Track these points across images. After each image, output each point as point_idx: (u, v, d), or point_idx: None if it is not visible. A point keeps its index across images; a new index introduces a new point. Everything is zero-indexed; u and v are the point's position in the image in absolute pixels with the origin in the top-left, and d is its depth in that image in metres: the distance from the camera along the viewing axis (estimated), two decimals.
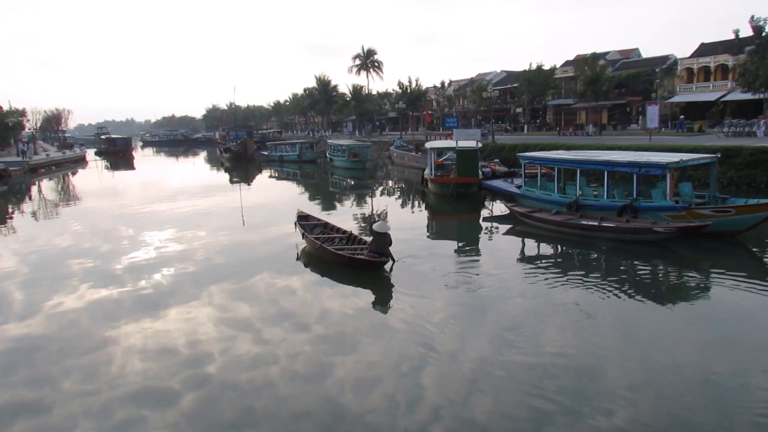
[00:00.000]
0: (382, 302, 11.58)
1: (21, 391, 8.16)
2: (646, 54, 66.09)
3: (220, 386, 8.01)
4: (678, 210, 15.99)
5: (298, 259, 15.25)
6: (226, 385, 8.05)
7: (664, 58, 58.29)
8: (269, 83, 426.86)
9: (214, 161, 68.28)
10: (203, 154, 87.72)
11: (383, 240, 13.10)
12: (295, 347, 9.30)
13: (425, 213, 24.83)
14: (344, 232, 16.21)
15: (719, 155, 18.48)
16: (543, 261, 15.22)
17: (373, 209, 25.58)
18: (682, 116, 44.15)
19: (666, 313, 10.80)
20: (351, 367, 8.56)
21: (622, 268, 14.23)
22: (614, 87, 53.85)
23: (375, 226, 13.40)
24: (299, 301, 11.78)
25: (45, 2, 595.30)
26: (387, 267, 13.39)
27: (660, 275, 13.72)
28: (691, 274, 13.65)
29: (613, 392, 7.55)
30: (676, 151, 21.52)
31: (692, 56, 52.65)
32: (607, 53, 63.14)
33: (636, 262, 14.32)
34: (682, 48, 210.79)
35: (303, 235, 15.91)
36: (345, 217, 22.02)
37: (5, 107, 59.89)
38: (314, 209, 23.63)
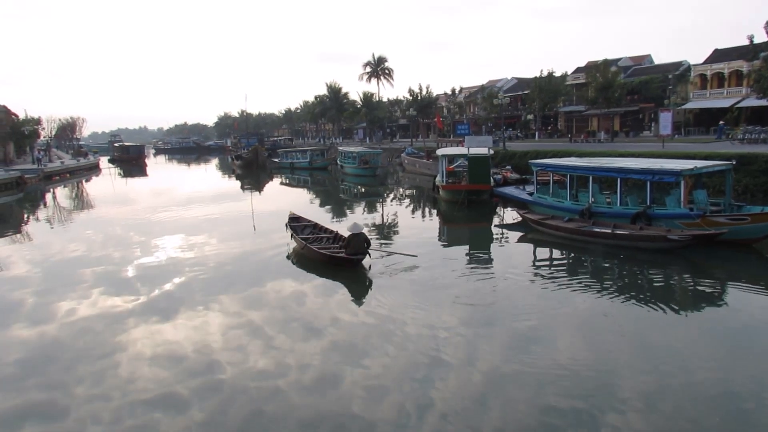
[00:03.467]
0: (392, 310, 11.45)
1: (34, 396, 8.22)
2: (658, 60, 65.73)
3: (229, 393, 8.00)
4: (692, 218, 15.80)
5: (288, 257, 16.06)
6: (236, 391, 8.04)
7: (677, 65, 57.85)
8: (280, 91, 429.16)
9: (225, 168, 68.67)
10: (215, 162, 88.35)
11: (359, 239, 14.40)
12: (305, 356, 9.27)
13: (437, 220, 24.74)
14: (331, 232, 17.39)
15: (734, 162, 18.26)
16: (555, 269, 15.08)
17: (383, 216, 25.56)
18: (721, 122, 42.71)
19: (680, 323, 10.63)
20: (360, 376, 8.50)
21: (635, 276, 14.06)
22: (626, 93, 53.46)
23: (348, 228, 14.93)
24: (308, 308, 11.77)
25: (57, 12, 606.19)
26: (366, 264, 14.49)
27: (674, 284, 13.52)
28: (705, 283, 13.45)
29: (627, 404, 7.41)
30: (690, 158, 21.31)
31: (706, 62, 52.23)
32: (618, 60, 62.78)
33: (650, 271, 14.14)
34: (695, 54, 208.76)
35: (292, 235, 16.95)
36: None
37: (21, 116, 60.88)
38: (325, 216, 23.76)
